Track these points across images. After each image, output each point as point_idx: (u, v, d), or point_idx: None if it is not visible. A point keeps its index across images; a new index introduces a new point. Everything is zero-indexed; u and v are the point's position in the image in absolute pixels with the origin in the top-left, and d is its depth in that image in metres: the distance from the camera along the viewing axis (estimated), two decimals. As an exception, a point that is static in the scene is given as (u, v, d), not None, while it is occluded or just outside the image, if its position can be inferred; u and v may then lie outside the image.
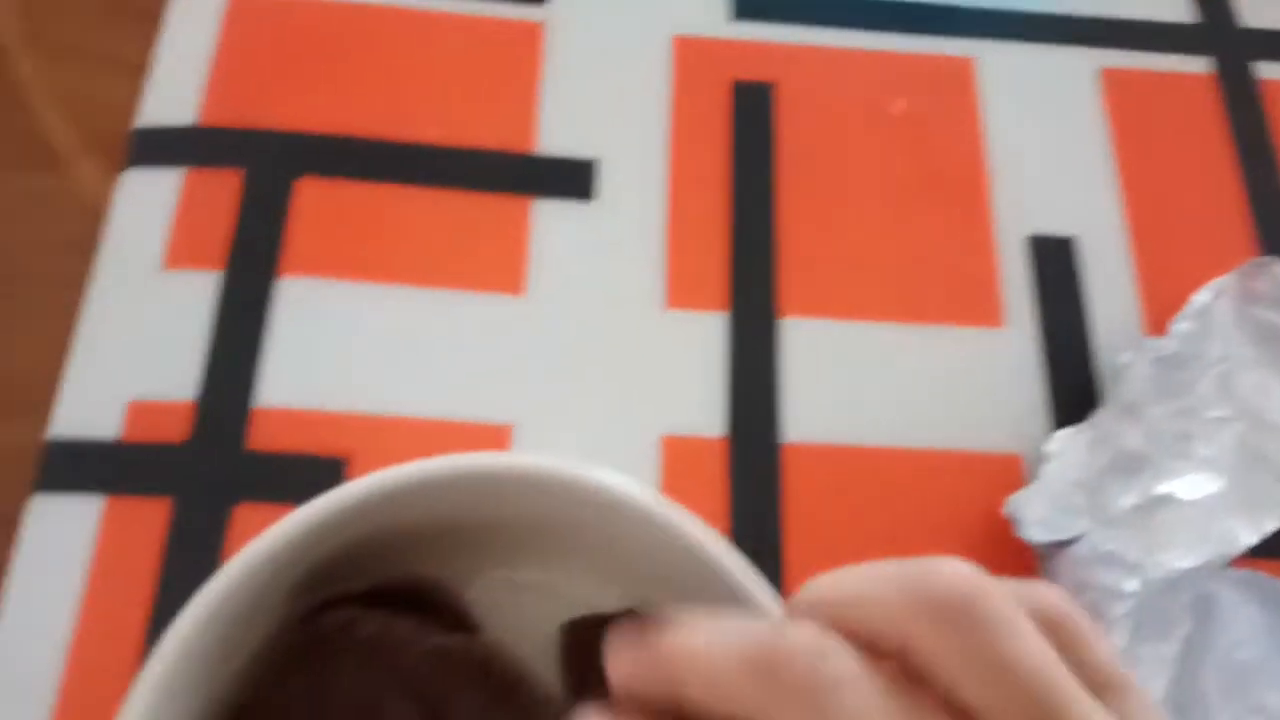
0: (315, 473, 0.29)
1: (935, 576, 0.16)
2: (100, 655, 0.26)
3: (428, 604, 0.25)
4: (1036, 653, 0.15)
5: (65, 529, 0.28)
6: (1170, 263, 0.35)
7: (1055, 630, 0.16)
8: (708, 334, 0.32)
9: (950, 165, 0.36)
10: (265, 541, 0.22)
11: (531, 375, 0.31)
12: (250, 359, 0.30)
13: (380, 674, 0.24)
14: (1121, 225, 0.36)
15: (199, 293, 0.31)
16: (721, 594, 0.23)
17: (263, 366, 0.30)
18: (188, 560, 0.28)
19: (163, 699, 0.21)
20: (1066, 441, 0.31)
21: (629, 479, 0.23)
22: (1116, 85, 0.38)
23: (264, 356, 0.30)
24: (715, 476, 0.31)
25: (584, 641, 0.27)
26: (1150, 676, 0.28)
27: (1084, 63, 0.38)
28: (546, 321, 0.32)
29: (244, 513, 0.28)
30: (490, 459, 0.23)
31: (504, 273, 0.33)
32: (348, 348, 0.31)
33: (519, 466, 0.23)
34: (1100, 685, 0.16)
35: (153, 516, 0.28)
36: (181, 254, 0.31)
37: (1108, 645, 0.17)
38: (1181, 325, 0.33)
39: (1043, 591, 0.17)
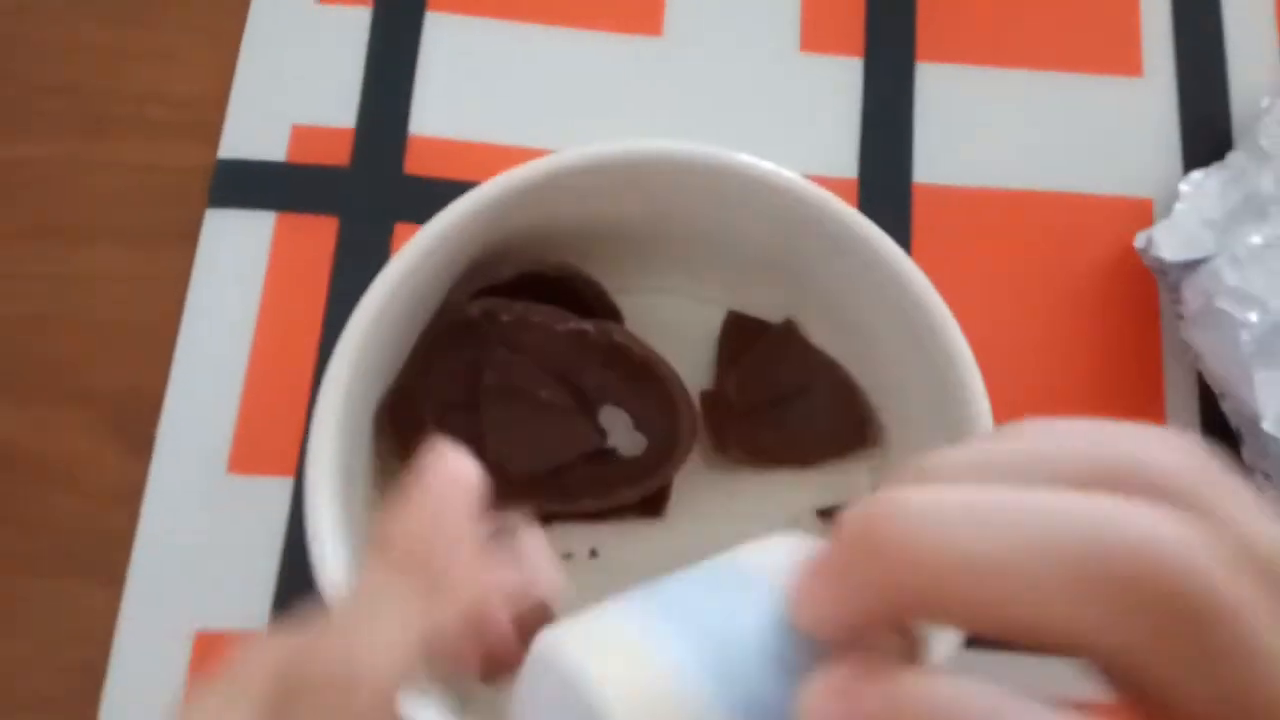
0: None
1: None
2: (281, 345, 0.29)
3: (569, 294, 0.27)
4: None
5: (241, 241, 0.30)
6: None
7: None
8: (842, 78, 0.33)
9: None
10: (418, 243, 0.24)
11: (665, 114, 0.32)
12: (405, 90, 0.32)
13: (520, 354, 0.26)
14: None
15: (354, 25, 0.33)
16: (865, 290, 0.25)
17: (416, 98, 0.32)
18: (355, 271, 0.30)
19: (350, 387, 0.24)
20: (1199, 182, 0.31)
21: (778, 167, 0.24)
22: None
23: (417, 88, 0.32)
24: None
25: (739, 330, 0.29)
26: (1267, 400, 0.28)
27: None
28: (683, 63, 0.33)
29: (403, 231, 0.31)
30: (630, 145, 0.25)
31: (643, 14, 0.33)
32: (494, 83, 0.32)
33: (643, 152, 0.25)
34: None
35: (322, 232, 0.31)
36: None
37: None
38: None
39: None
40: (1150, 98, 0.33)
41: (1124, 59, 0.34)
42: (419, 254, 0.25)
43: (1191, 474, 0.15)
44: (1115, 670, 0.14)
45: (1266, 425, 0.28)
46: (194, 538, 0.28)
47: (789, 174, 0.25)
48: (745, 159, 0.25)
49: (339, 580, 0.22)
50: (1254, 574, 0.14)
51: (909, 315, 0.25)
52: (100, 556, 0.28)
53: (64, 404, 0.29)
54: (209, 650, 0.27)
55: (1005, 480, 0.15)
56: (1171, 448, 0.15)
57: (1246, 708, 0.14)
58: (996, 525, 0.14)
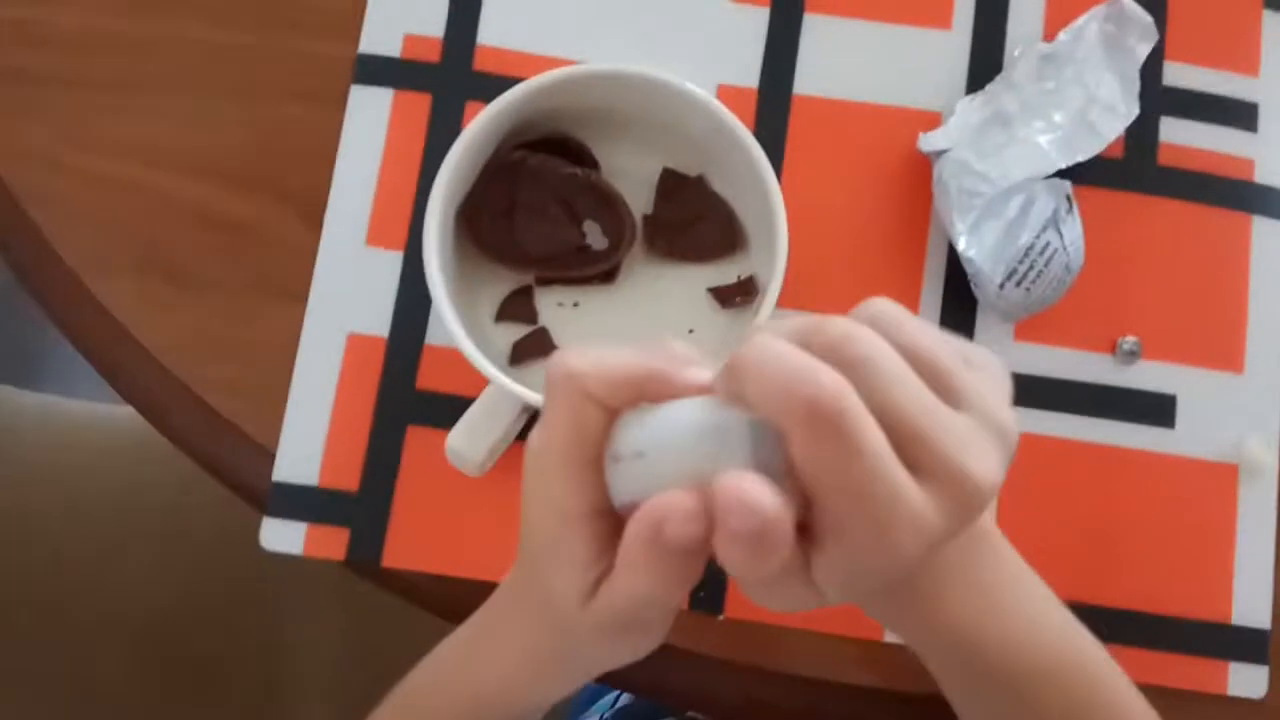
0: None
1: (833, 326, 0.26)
2: (396, 172, 0.49)
3: (571, 151, 0.46)
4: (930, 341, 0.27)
5: (373, 106, 0.50)
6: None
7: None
8: (754, 24, 0.51)
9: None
10: (482, 117, 0.44)
11: (648, 36, 0.51)
12: (474, 14, 0.51)
13: (540, 186, 0.46)
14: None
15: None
16: (739, 162, 0.44)
17: (482, 20, 0.50)
18: (441, 131, 0.49)
19: (444, 199, 0.43)
20: (967, 102, 0.50)
21: (692, 85, 0.43)
22: None
23: (483, 13, 0.51)
24: (749, 121, 0.50)
25: (669, 179, 0.48)
26: (987, 235, 0.47)
27: None
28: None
29: (472, 108, 0.50)
30: (595, 68, 0.44)
31: (629, -30, 0.52)
32: (535, 11, 0.51)
33: (612, 71, 0.44)
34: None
35: (421, 105, 0.50)
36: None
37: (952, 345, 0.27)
38: (1062, 35, 0.50)
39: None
40: (954, 43, 0.51)
41: (939, 15, 0.52)
42: (482, 122, 0.44)
43: (867, 344, 0.26)
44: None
45: (960, 245, 0.47)
46: (346, 282, 0.48)
47: (698, 90, 0.44)
48: (670, 78, 0.44)
49: (444, 305, 0.42)
50: (884, 409, 0.25)
51: (754, 179, 0.44)
52: (296, 288, 0.48)
53: (274, 198, 0.49)
54: (354, 345, 0.47)
55: (791, 340, 0.26)
56: (868, 321, 0.27)
57: (853, 493, 0.25)
58: (775, 360, 0.26)
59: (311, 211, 0.49)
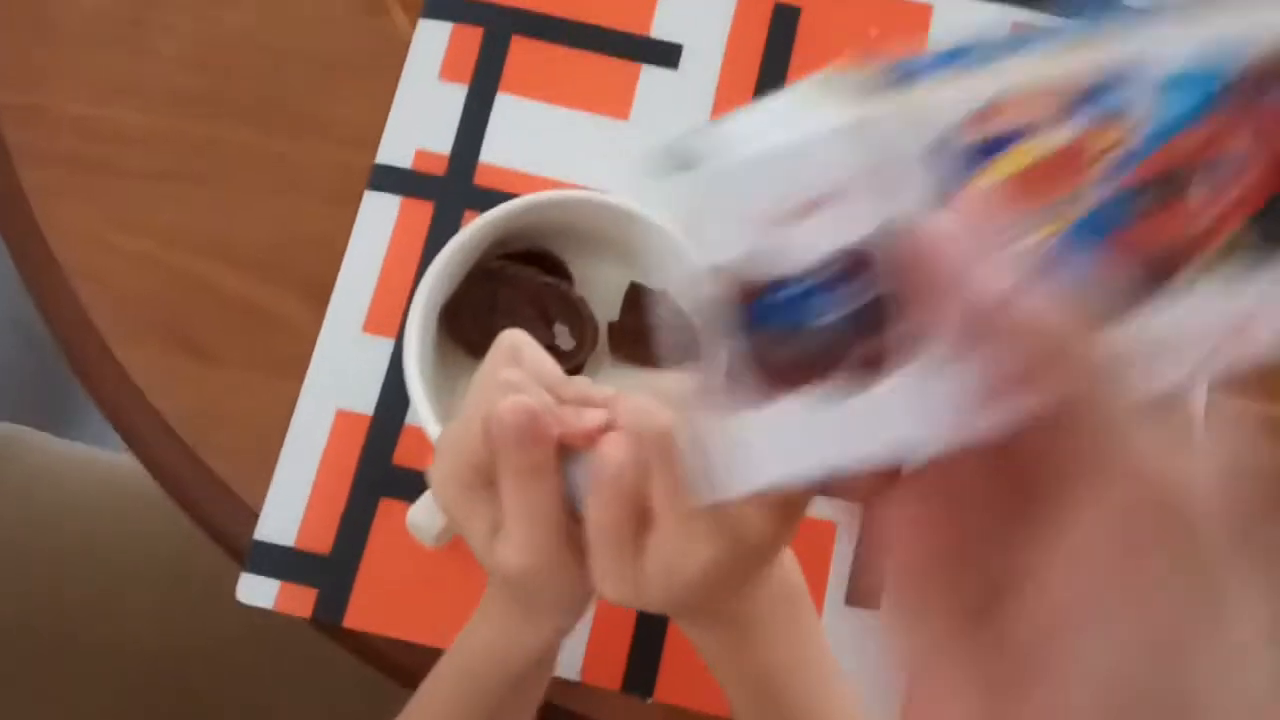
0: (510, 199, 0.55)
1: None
2: (395, 270, 0.55)
3: (548, 263, 0.52)
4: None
5: (381, 210, 0.56)
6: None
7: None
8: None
9: None
10: (472, 226, 0.49)
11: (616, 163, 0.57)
12: (479, 135, 0.57)
13: (518, 291, 0.51)
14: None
15: (455, 95, 0.57)
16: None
17: (486, 141, 0.57)
18: (439, 235, 0.55)
19: (429, 296, 0.49)
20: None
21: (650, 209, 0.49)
22: None
23: (486, 135, 0.57)
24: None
25: (635, 296, 0.53)
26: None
27: None
28: (636, 139, 0.57)
29: (470, 216, 0.56)
30: (574, 193, 0.49)
31: (616, 101, 0.58)
32: (531, 136, 0.57)
33: (587, 197, 0.49)
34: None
35: (424, 211, 0.56)
36: (449, 73, 0.58)
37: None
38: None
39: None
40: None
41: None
42: (472, 231, 0.50)
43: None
44: None
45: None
46: (341, 363, 0.53)
47: (654, 217, 0.49)
48: (632, 205, 0.49)
49: (418, 391, 0.47)
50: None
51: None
52: (297, 365, 0.53)
53: (286, 285, 0.55)
54: (342, 420, 0.52)
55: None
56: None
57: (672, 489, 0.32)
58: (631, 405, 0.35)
59: (318, 299, 0.54)
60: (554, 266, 0.52)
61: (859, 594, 0.52)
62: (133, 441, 0.53)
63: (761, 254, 0.22)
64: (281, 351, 0.54)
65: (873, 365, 0.22)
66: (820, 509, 0.51)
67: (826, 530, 0.51)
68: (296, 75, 0.58)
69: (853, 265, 0.22)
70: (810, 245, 0.22)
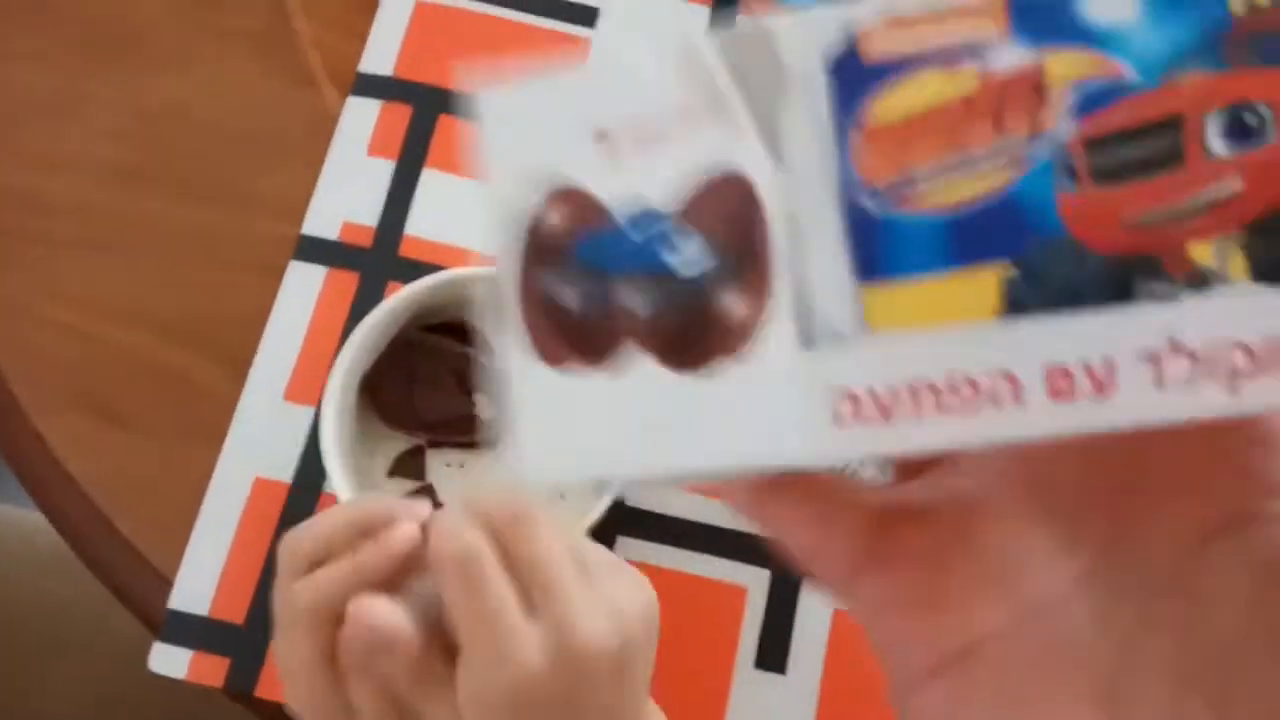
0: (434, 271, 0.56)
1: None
2: (318, 342, 0.55)
3: (461, 330, 0.53)
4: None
5: (306, 280, 0.57)
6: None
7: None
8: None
9: None
10: (394, 298, 0.50)
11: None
12: (405, 208, 0.58)
13: (438, 362, 0.52)
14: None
15: (383, 170, 0.59)
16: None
17: (411, 214, 0.58)
18: (363, 305, 0.56)
19: (350, 366, 0.50)
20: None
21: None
22: None
23: (412, 208, 0.58)
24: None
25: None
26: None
27: None
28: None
29: (393, 287, 0.57)
30: (474, 270, 0.50)
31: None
32: (453, 209, 0.58)
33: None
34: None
35: (349, 282, 0.57)
36: (377, 148, 0.59)
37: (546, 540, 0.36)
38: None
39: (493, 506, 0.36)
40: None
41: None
42: (394, 303, 0.51)
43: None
44: None
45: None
46: (260, 430, 0.54)
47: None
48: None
49: (333, 459, 0.48)
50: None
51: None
52: (215, 433, 0.54)
53: (207, 353, 0.55)
54: (259, 488, 0.53)
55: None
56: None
57: (476, 620, 0.35)
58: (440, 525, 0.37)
59: (238, 366, 0.55)
60: (468, 332, 0.53)
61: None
62: (48, 509, 0.53)
63: (567, 193, 0.19)
64: (203, 419, 0.54)
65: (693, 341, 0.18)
66: (731, 573, 0.52)
67: (737, 594, 0.51)
68: (226, 148, 0.60)
69: (685, 212, 0.18)
70: (628, 184, 0.18)
